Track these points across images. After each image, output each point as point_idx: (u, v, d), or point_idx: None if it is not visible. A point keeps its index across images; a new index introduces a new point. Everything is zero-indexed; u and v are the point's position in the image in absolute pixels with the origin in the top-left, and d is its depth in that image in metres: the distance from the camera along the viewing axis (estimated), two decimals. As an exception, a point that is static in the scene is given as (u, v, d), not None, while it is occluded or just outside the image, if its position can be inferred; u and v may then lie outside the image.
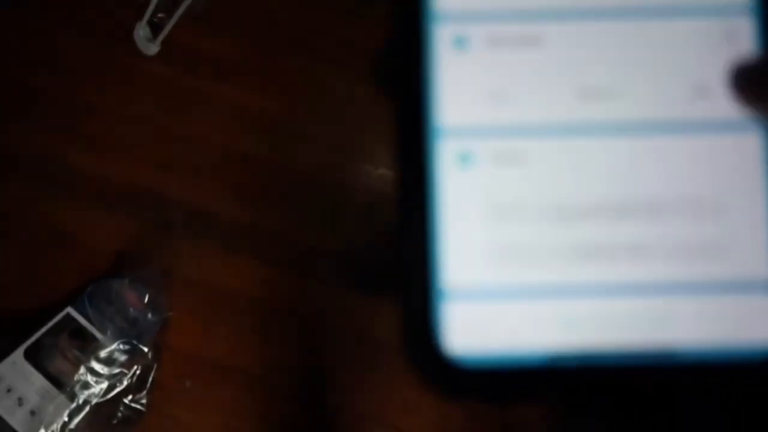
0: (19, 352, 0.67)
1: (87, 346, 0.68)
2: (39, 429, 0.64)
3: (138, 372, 0.68)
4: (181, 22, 0.83)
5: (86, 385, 0.66)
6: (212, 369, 0.72)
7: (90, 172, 0.80)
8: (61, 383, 0.66)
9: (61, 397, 0.66)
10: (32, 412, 0.65)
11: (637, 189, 0.15)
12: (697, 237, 0.15)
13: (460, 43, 0.15)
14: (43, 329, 0.69)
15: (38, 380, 0.66)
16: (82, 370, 0.67)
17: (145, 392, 0.69)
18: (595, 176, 0.15)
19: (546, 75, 0.15)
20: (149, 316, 0.70)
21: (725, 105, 0.15)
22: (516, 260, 0.15)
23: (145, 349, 0.68)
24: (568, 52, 0.15)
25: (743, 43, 0.15)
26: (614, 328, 0.15)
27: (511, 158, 0.15)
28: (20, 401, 0.65)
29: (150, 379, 0.69)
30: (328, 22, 0.84)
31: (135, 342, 0.68)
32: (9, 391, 0.66)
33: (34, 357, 0.67)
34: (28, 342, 0.68)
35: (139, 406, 0.69)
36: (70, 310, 0.70)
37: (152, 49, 0.82)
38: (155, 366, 0.70)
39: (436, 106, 0.15)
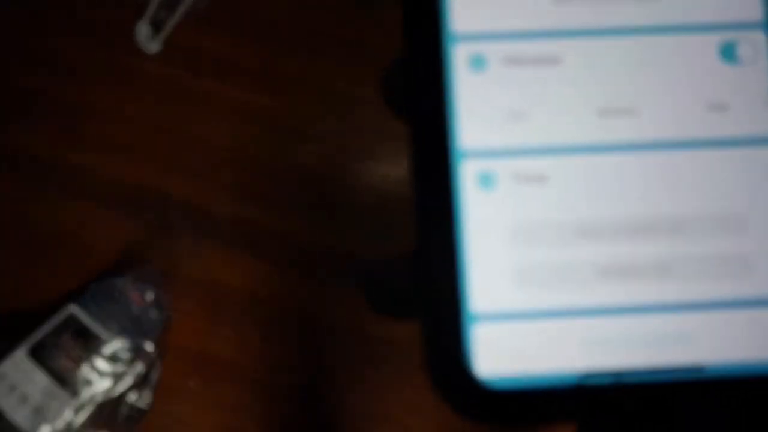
0: (23, 350, 0.67)
1: (90, 344, 0.68)
2: (43, 426, 0.64)
3: (141, 370, 0.68)
4: (183, 22, 0.83)
5: (89, 383, 0.66)
6: (214, 367, 0.72)
7: (90, 172, 0.80)
8: (65, 381, 0.67)
9: (65, 395, 0.66)
10: (36, 410, 0.65)
11: (660, 206, 0.15)
12: (721, 253, 0.15)
13: (477, 63, 0.16)
14: (46, 328, 0.69)
15: (42, 378, 0.66)
16: (86, 368, 0.67)
17: (148, 390, 0.69)
18: (617, 194, 0.15)
19: (564, 93, 0.15)
20: (152, 314, 0.70)
21: (745, 120, 0.15)
22: (541, 280, 0.15)
23: (148, 348, 0.68)
24: (587, 70, 0.16)
25: (759, 58, 0.15)
26: (641, 347, 0.15)
27: (532, 178, 0.15)
28: (24, 399, 0.65)
29: (153, 377, 0.69)
30: (329, 21, 0.84)
31: (138, 340, 0.68)
32: (12, 389, 0.66)
33: (37, 355, 0.67)
34: (32, 341, 0.68)
35: (142, 404, 0.69)
36: (72, 308, 0.70)
37: (153, 48, 0.83)
38: (158, 364, 0.70)
39: (455, 128, 0.15)
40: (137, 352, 0.68)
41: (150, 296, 0.71)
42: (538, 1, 0.16)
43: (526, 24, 0.16)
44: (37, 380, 0.66)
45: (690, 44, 0.15)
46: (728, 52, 0.15)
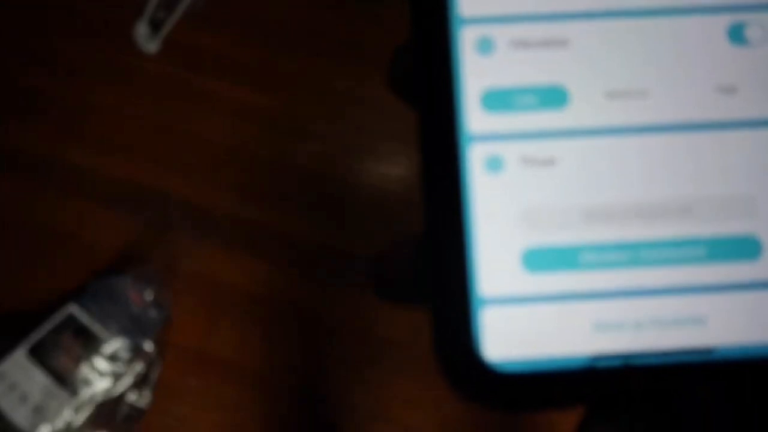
0: (23, 349, 0.67)
1: (90, 343, 0.68)
2: (42, 426, 0.64)
3: (141, 369, 0.68)
4: (182, 21, 0.83)
5: (89, 383, 0.66)
6: (214, 366, 0.72)
7: (90, 171, 0.80)
8: (65, 380, 0.66)
9: (65, 395, 0.66)
10: (35, 409, 0.65)
11: (669, 189, 0.15)
12: (732, 235, 0.15)
13: (484, 45, 0.15)
14: (46, 327, 0.69)
15: (41, 378, 0.66)
16: (85, 367, 0.67)
17: (148, 389, 0.69)
18: (625, 177, 0.15)
19: (572, 75, 0.15)
20: (152, 313, 0.70)
21: (754, 101, 0.15)
22: (550, 264, 0.15)
23: (148, 347, 0.68)
24: (594, 52, 0.16)
25: None
26: (651, 329, 0.15)
27: (540, 161, 0.15)
28: (23, 398, 0.65)
29: (153, 376, 0.69)
30: (328, 21, 0.84)
31: (138, 339, 0.68)
32: (12, 388, 0.66)
33: (37, 355, 0.67)
34: (32, 340, 0.68)
35: (142, 403, 0.69)
36: (72, 308, 0.70)
37: (152, 47, 0.83)
38: (158, 364, 0.70)
39: (462, 111, 0.15)
40: (137, 352, 0.68)
41: (149, 296, 0.71)
42: None
43: (534, 6, 0.15)
44: (36, 380, 0.66)
45: (698, 26, 0.15)
46: (737, 34, 0.15)
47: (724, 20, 0.15)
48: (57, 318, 0.69)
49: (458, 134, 0.15)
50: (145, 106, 0.82)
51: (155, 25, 0.83)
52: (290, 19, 0.85)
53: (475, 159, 0.15)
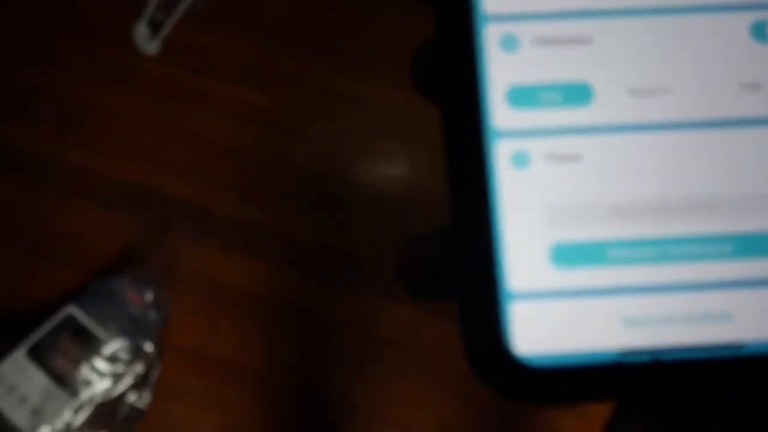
0: (22, 350, 0.67)
1: (89, 344, 0.68)
2: (42, 427, 0.64)
3: (140, 370, 0.68)
4: (182, 21, 0.83)
5: (89, 384, 0.66)
6: (214, 367, 0.72)
7: (90, 171, 0.80)
8: (64, 381, 0.66)
9: (64, 396, 0.66)
10: (35, 411, 0.65)
11: (694, 186, 0.15)
12: (757, 231, 0.15)
13: (508, 43, 0.15)
14: (45, 328, 0.68)
15: (40, 379, 0.66)
16: (85, 368, 0.66)
17: (148, 390, 0.69)
18: (650, 174, 0.15)
19: (596, 72, 0.15)
20: (151, 314, 0.70)
21: None
22: (577, 259, 0.15)
23: (148, 348, 0.68)
24: (618, 49, 0.16)
25: None
26: (680, 325, 0.15)
27: (565, 157, 0.15)
28: (22, 399, 0.65)
29: (152, 377, 0.69)
30: (329, 21, 0.84)
31: (137, 340, 0.68)
32: (11, 389, 0.65)
33: (36, 355, 0.67)
34: (31, 341, 0.67)
35: (141, 404, 0.68)
36: (72, 309, 0.70)
37: (152, 48, 0.83)
38: (157, 364, 0.70)
39: (488, 108, 0.15)
40: (136, 353, 0.68)
41: (149, 297, 0.70)
42: None
43: (557, 4, 0.15)
44: (36, 381, 0.66)
45: (721, 23, 0.15)
46: (760, 31, 0.15)
47: (747, 17, 0.15)
48: (56, 319, 0.69)
49: (484, 130, 0.15)
50: (144, 107, 0.82)
51: (155, 26, 0.83)
52: (290, 19, 0.85)
53: (501, 155, 0.15)
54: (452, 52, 0.15)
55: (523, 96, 0.16)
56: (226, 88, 0.82)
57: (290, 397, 0.72)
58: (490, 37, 0.16)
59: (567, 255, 0.15)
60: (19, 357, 0.67)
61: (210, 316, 0.74)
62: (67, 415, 0.65)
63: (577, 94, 0.15)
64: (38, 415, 0.65)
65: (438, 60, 0.16)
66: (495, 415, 0.72)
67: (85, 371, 0.67)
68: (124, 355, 0.68)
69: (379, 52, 0.82)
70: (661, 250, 0.15)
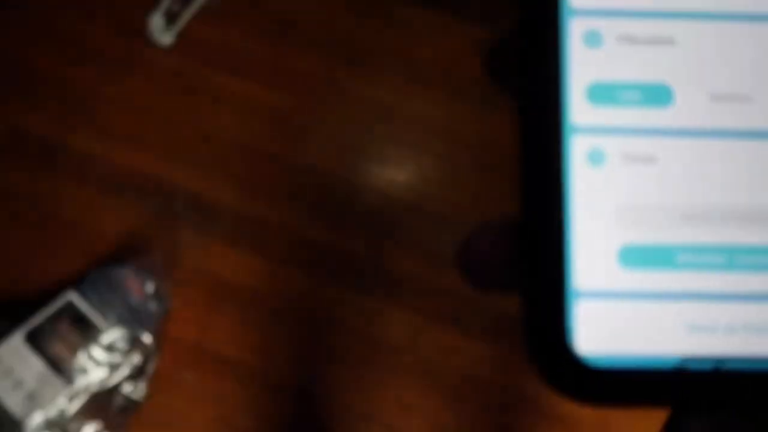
0: (20, 335, 0.67)
1: (87, 332, 0.68)
2: (35, 413, 0.64)
3: (137, 361, 0.68)
4: (197, 15, 0.83)
5: (85, 371, 0.66)
6: (212, 361, 0.72)
7: (96, 158, 0.80)
8: (60, 368, 0.66)
9: (60, 382, 0.65)
10: (29, 396, 0.65)
11: (767, 196, 0.15)
12: None
13: (592, 38, 0.15)
14: (45, 313, 0.68)
15: (37, 364, 0.66)
16: (82, 355, 0.66)
17: (144, 381, 0.69)
18: (725, 181, 0.15)
19: (677, 74, 0.15)
20: (151, 305, 0.70)
21: None
22: (646, 261, 0.15)
23: (146, 338, 0.68)
24: (701, 53, 0.15)
25: None
26: (745, 334, 0.15)
27: (641, 158, 0.15)
28: (18, 384, 0.65)
29: (150, 368, 0.69)
30: (345, 21, 0.84)
31: (136, 331, 0.68)
32: (7, 373, 0.65)
33: (34, 341, 0.67)
34: (29, 325, 0.67)
35: (137, 395, 0.68)
36: (71, 295, 0.69)
37: (166, 40, 0.82)
38: (155, 356, 0.69)
39: (567, 103, 0.15)
40: (134, 343, 0.68)
41: (150, 287, 0.70)
42: None
43: (643, 2, 0.15)
44: (32, 366, 0.66)
45: None
46: None
47: None
48: (55, 305, 0.69)
49: (562, 125, 0.15)
50: (155, 97, 0.82)
51: (170, 17, 0.83)
52: (305, 18, 0.85)
53: (577, 151, 0.15)
54: (535, 44, 0.15)
55: (603, 93, 0.15)
56: (237, 83, 0.82)
57: (285, 395, 0.72)
58: (575, 32, 0.16)
59: (635, 256, 0.15)
60: (16, 341, 0.67)
61: (210, 310, 0.74)
62: (61, 402, 0.65)
63: (657, 95, 0.15)
64: (32, 401, 0.65)
65: (519, 50, 0.16)
66: (489, 426, 0.72)
67: (81, 359, 0.67)
68: (122, 345, 0.68)
69: (396, 56, 0.82)
70: (731, 257, 0.15)
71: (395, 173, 0.79)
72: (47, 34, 0.85)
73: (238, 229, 0.77)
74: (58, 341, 0.68)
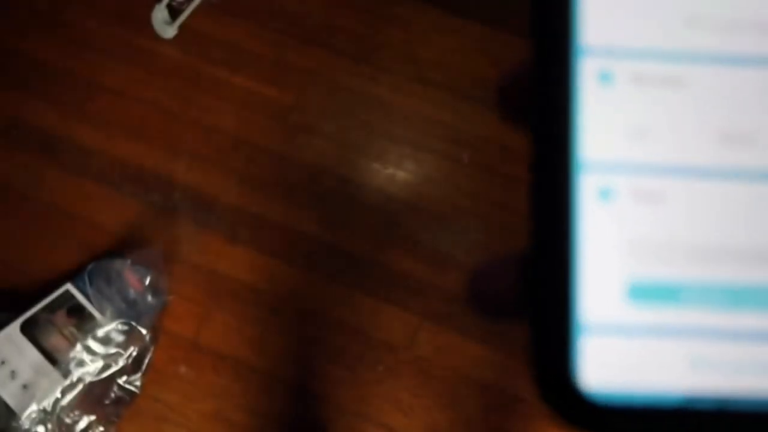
0: (16, 325, 0.67)
1: (84, 324, 0.68)
2: (30, 403, 0.64)
3: (134, 354, 0.68)
4: (200, 9, 0.83)
5: (81, 363, 0.66)
6: (208, 356, 0.72)
7: (98, 151, 0.79)
8: (56, 359, 0.66)
9: (55, 373, 0.65)
10: (24, 386, 0.65)
11: None
12: None
13: (604, 78, 0.15)
14: (41, 304, 0.68)
15: (33, 354, 0.66)
16: (78, 347, 0.66)
17: (139, 374, 0.69)
18: (734, 222, 0.15)
19: (688, 116, 0.15)
20: (149, 298, 0.70)
21: None
22: (653, 298, 0.15)
23: (143, 332, 0.68)
24: (712, 95, 0.15)
25: None
26: (751, 374, 0.15)
27: (650, 196, 0.15)
28: (13, 374, 0.65)
29: (145, 361, 0.69)
30: (347, 18, 0.84)
31: (133, 323, 0.68)
32: (3, 363, 0.65)
33: (30, 331, 0.67)
34: (25, 315, 0.67)
35: (132, 388, 0.68)
36: (69, 286, 0.69)
37: (169, 32, 0.82)
38: (151, 349, 0.69)
39: (578, 140, 0.15)
40: (131, 336, 0.68)
41: (148, 280, 0.70)
42: (669, 21, 0.16)
43: (656, 43, 0.16)
44: (28, 356, 0.66)
45: None
46: None
47: None
48: (53, 296, 0.69)
49: (572, 162, 0.15)
50: (157, 90, 0.82)
51: (173, 11, 0.83)
52: (308, 14, 0.85)
53: (587, 188, 0.15)
54: (546, 81, 0.15)
55: (613, 132, 0.15)
56: (239, 78, 0.82)
57: (281, 392, 0.72)
58: (587, 70, 0.16)
59: (643, 292, 0.15)
60: (12, 331, 0.66)
61: (208, 306, 0.74)
62: (56, 393, 0.65)
63: (667, 135, 0.15)
64: (28, 391, 0.65)
65: (531, 86, 0.16)
66: (485, 426, 0.72)
67: (78, 350, 0.66)
68: (118, 338, 0.68)
69: (399, 55, 0.82)
70: (738, 296, 0.15)
71: (395, 172, 0.79)
72: (49, 24, 0.85)
73: (237, 224, 0.77)
74: (54, 333, 0.68)
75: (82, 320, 0.68)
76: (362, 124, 0.81)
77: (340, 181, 0.79)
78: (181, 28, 0.83)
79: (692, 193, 0.15)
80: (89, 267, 0.71)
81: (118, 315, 0.68)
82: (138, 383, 0.69)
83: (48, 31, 0.84)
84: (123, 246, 0.75)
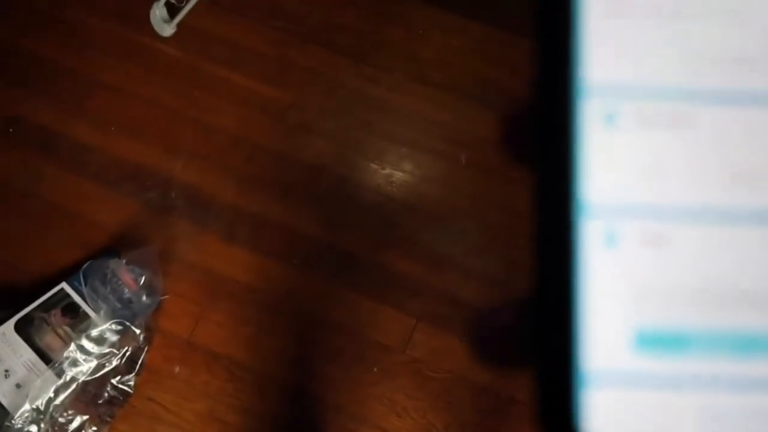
0: (10, 323, 0.67)
1: (78, 323, 0.68)
2: (24, 402, 0.64)
3: (128, 353, 0.68)
4: (200, 5, 0.82)
5: (75, 363, 0.66)
6: (203, 356, 0.72)
7: (96, 148, 0.79)
8: (50, 358, 0.66)
9: (49, 372, 0.65)
10: (18, 385, 0.65)
11: None
12: None
13: (609, 118, 0.15)
14: (36, 303, 0.68)
15: (27, 353, 0.66)
16: (72, 346, 0.66)
17: (133, 374, 0.68)
18: (743, 265, 0.15)
19: (695, 157, 0.15)
20: (143, 298, 0.70)
21: None
22: (659, 347, 0.14)
23: (137, 331, 0.68)
24: (720, 136, 0.15)
25: None
26: (761, 426, 0.14)
27: (657, 240, 0.15)
28: (7, 373, 0.65)
29: (139, 361, 0.69)
30: (348, 16, 0.84)
31: (127, 323, 0.68)
32: (-3, 362, 0.65)
33: (24, 330, 0.67)
34: (20, 314, 0.67)
35: (126, 388, 0.68)
36: (64, 285, 0.69)
37: (167, 30, 0.82)
38: (146, 349, 0.69)
39: (583, 183, 0.15)
40: (124, 336, 0.68)
41: (143, 280, 0.70)
42: (676, 60, 0.15)
43: (661, 82, 0.15)
44: (22, 355, 0.66)
45: None
46: None
47: None
48: (47, 295, 0.69)
49: (576, 205, 0.15)
50: (156, 88, 0.82)
51: (172, 9, 0.82)
52: (309, 13, 0.84)
53: (591, 232, 0.15)
54: (549, 122, 0.15)
55: (618, 174, 0.15)
56: (237, 77, 0.81)
57: (275, 393, 0.72)
58: (591, 112, 0.15)
59: (650, 341, 0.14)
60: (6, 330, 0.66)
61: (203, 305, 0.74)
62: (50, 393, 0.65)
63: (672, 180, 0.15)
64: (22, 390, 0.65)
65: (534, 127, 0.15)
66: (480, 429, 0.71)
67: (71, 350, 0.66)
68: (113, 337, 0.67)
69: (399, 54, 0.81)
70: (749, 343, 0.14)
71: (394, 172, 0.78)
72: (49, 22, 0.85)
73: (235, 223, 0.77)
74: (49, 332, 0.67)
75: (76, 319, 0.68)
76: (362, 123, 0.80)
77: (338, 181, 0.78)
78: (181, 25, 0.83)
79: (700, 236, 0.15)
80: (84, 266, 0.71)
81: (112, 314, 0.68)
82: (131, 383, 0.68)
83: (48, 29, 0.84)
84: (120, 244, 0.75)
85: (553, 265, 0.15)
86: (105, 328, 0.67)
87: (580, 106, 0.15)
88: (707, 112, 0.15)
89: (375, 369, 0.72)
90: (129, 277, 0.70)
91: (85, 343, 0.67)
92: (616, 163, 0.15)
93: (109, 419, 0.68)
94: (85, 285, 0.69)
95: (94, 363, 0.67)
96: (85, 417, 0.66)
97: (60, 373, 0.66)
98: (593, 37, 0.15)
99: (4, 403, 0.64)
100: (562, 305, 0.14)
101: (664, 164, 0.15)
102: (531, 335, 0.15)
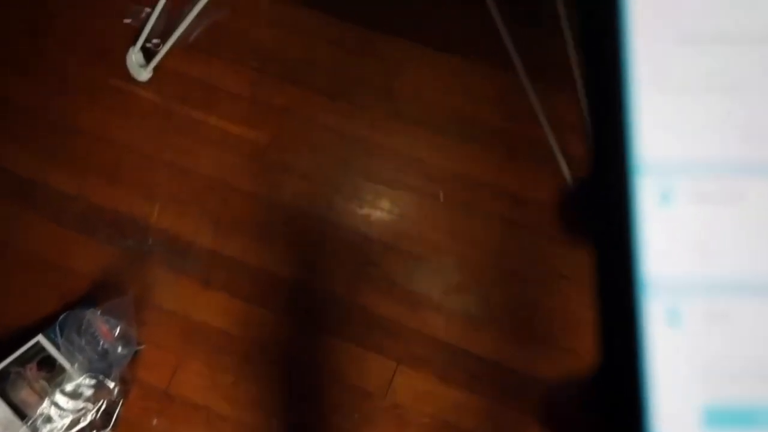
0: (-15, 379, 0.66)
1: (55, 376, 0.67)
2: (-3, 461, 0.63)
3: (103, 407, 0.67)
4: (175, 49, 0.82)
5: (49, 419, 0.65)
6: (180, 406, 0.71)
7: (72, 196, 0.79)
8: (24, 414, 0.65)
9: (23, 429, 0.65)
10: (-8, 443, 0.64)
11: None
12: None
13: (665, 197, 0.15)
14: (12, 357, 0.68)
15: (2, 410, 0.65)
16: (47, 403, 0.66)
17: (109, 428, 0.68)
18: None
19: (753, 231, 0.15)
20: (119, 349, 0.69)
21: None
22: (729, 422, 0.14)
23: (111, 384, 0.67)
24: None
25: None
26: None
27: (720, 316, 0.15)
28: (-19, 431, 0.65)
29: (115, 414, 0.68)
30: (325, 53, 0.83)
31: (101, 376, 0.67)
32: (-30, 420, 0.65)
33: (0, 385, 0.66)
34: (-4, 369, 0.67)
35: (101, 443, 0.67)
36: (40, 338, 0.69)
37: (144, 75, 0.82)
38: (120, 402, 0.68)
39: (643, 261, 0.15)
40: (99, 389, 0.67)
41: (118, 331, 0.69)
42: (726, 133, 0.15)
43: (714, 157, 0.15)
44: (-3, 411, 0.65)
45: None
46: None
47: None
48: (23, 348, 0.68)
49: (637, 284, 0.15)
50: (132, 133, 0.81)
51: (148, 53, 0.82)
52: (284, 51, 0.83)
53: (654, 311, 0.15)
54: (607, 200, 0.15)
55: (675, 252, 0.15)
56: (215, 118, 0.81)
57: (255, 442, 0.71)
58: (647, 190, 0.15)
59: (718, 417, 0.14)
60: (-19, 387, 0.66)
61: (180, 354, 0.73)
62: (24, 450, 0.64)
63: (729, 257, 0.15)
64: (-3, 448, 0.64)
65: (592, 205, 0.15)
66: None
67: (46, 405, 0.66)
68: (87, 391, 0.67)
69: (377, 91, 0.80)
70: None
71: (372, 211, 0.77)
72: (28, 65, 0.85)
73: (212, 269, 0.76)
74: (24, 386, 0.67)
75: (52, 373, 0.67)
76: (338, 161, 0.79)
77: (315, 222, 0.77)
78: (158, 68, 0.83)
79: (760, 310, 0.15)
80: (61, 317, 0.70)
81: (88, 366, 0.67)
82: (108, 437, 0.68)
83: (26, 73, 0.85)
84: (97, 292, 0.75)
85: (618, 344, 0.15)
86: (79, 382, 0.67)
87: (636, 186, 0.15)
88: (762, 184, 0.15)
89: (355, 416, 0.70)
90: (105, 328, 0.70)
91: (60, 398, 0.66)
92: (672, 241, 0.15)
93: (85, 475, 0.67)
94: (61, 336, 0.69)
95: (69, 419, 0.66)
96: (60, 474, 0.65)
97: (35, 431, 0.65)
98: (645, 115, 0.15)
99: (-24, 464, 0.63)
100: (629, 384, 0.15)
101: (722, 239, 0.15)
102: (600, 414, 0.15)
